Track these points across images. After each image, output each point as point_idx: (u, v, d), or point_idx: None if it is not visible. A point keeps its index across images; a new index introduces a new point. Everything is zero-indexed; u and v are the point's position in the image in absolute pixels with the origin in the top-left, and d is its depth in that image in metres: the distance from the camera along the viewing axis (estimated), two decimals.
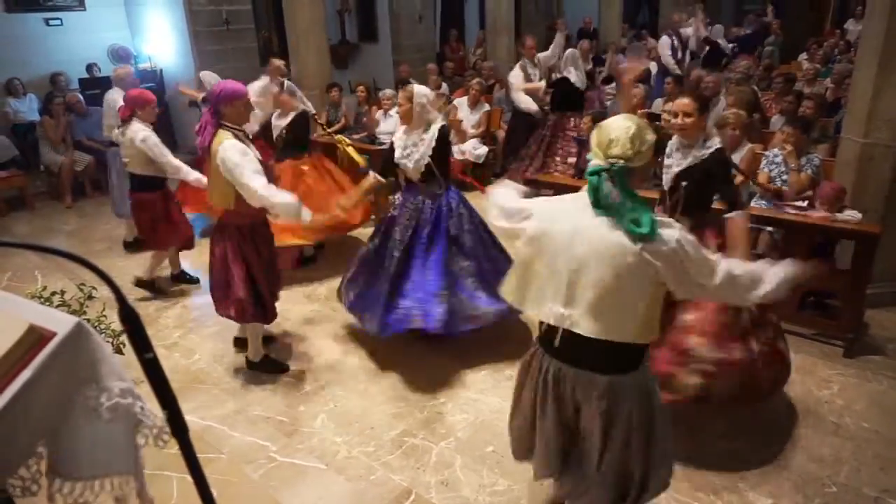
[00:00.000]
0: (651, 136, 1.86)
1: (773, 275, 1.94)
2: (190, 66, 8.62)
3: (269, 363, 3.83)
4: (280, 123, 5.22)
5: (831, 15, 14.46)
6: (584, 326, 1.86)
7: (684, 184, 3.02)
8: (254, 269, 3.48)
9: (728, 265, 1.88)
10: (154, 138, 4.44)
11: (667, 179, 3.14)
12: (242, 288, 3.46)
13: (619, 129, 1.83)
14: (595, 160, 1.86)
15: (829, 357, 3.74)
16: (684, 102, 2.99)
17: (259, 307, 3.56)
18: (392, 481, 2.92)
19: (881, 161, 4.04)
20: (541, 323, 2.07)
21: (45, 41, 8.35)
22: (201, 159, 4.52)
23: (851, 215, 3.88)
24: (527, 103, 6.85)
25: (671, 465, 2.18)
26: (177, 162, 4.54)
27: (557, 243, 1.89)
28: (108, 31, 8.97)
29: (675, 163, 3.09)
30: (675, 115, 3.01)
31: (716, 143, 3.01)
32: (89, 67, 8.44)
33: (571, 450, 2.15)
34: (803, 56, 9.51)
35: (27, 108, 7.93)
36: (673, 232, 1.80)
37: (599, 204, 1.81)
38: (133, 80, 5.60)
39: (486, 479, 2.91)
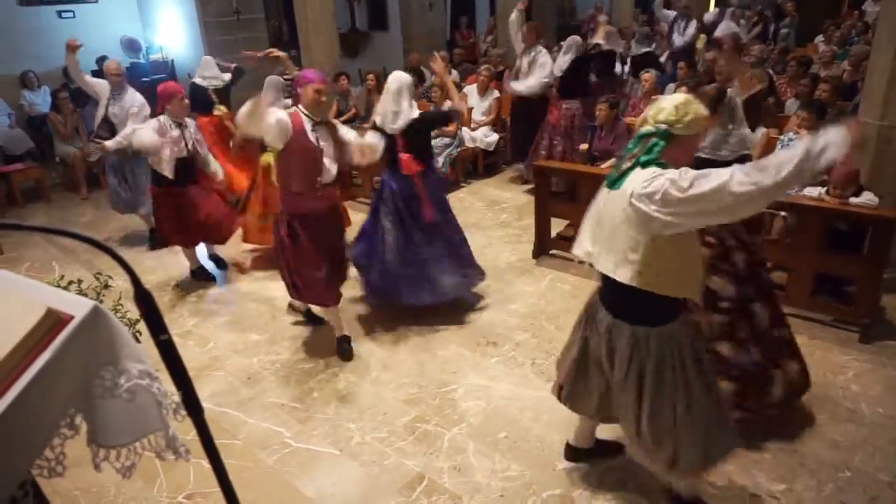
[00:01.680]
0: (702, 111, 2.02)
1: (788, 154, 1.83)
2: (200, 56, 8.63)
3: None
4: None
5: None
6: (603, 264, 2.16)
7: None
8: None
9: (727, 170, 1.89)
10: (141, 133, 4.43)
11: None
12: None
13: (670, 99, 2.05)
14: (644, 127, 2.07)
15: (845, 343, 3.71)
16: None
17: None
18: (405, 466, 2.95)
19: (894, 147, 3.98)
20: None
21: (59, 34, 8.39)
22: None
23: (868, 199, 3.83)
24: (526, 84, 6.60)
25: (710, 449, 2.21)
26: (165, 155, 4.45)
27: (602, 200, 2.20)
28: (120, 23, 9.03)
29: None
30: None
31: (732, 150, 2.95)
32: (100, 60, 8.49)
33: (609, 395, 2.37)
34: (819, 38, 9.35)
35: (42, 100, 8.01)
36: (663, 175, 1.94)
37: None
38: (122, 77, 5.52)
39: (499, 464, 2.93)
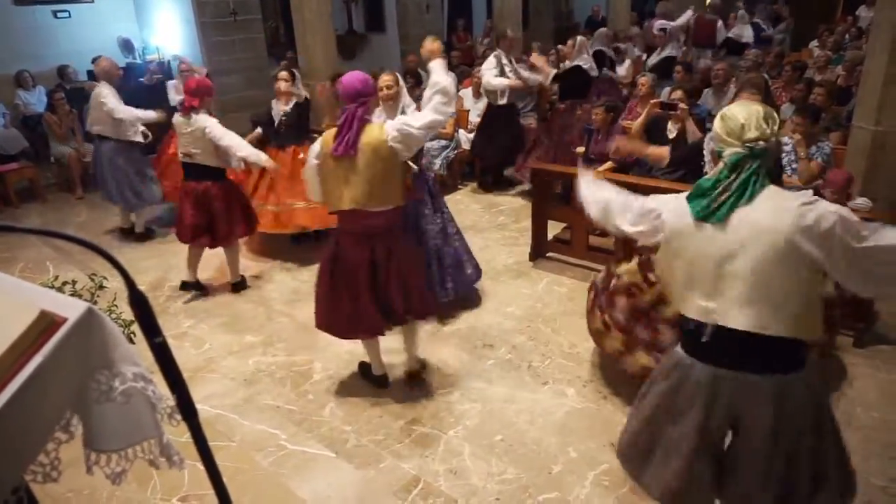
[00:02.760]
0: (776, 117, 1.83)
1: None
2: (197, 56, 8.63)
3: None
4: (281, 110, 5.29)
5: (843, 1, 14.26)
6: (735, 318, 1.78)
7: None
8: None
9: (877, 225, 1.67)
10: (219, 126, 4.36)
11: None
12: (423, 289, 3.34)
13: (747, 113, 1.78)
14: (729, 150, 1.79)
15: (840, 347, 3.72)
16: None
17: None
18: (401, 469, 2.94)
19: (892, 149, 4.00)
20: (683, 327, 1.96)
21: (54, 33, 8.39)
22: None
23: (863, 203, 3.85)
24: (500, 83, 6.40)
25: (845, 492, 1.97)
26: (245, 145, 4.47)
27: (697, 238, 1.83)
28: (117, 23, 9.00)
29: None
30: None
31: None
32: (95, 60, 8.47)
33: (712, 463, 1.97)
34: (814, 43, 9.39)
35: (37, 100, 7.98)
36: (824, 207, 1.68)
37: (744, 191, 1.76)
38: (118, 73, 5.66)
39: (495, 467, 2.92)
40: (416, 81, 7.90)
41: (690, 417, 1.91)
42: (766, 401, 1.82)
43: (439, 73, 3.05)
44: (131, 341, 3.12)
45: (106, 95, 5.41)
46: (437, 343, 3.96)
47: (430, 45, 3.26)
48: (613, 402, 3.36)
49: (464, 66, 9.45)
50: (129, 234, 6.01)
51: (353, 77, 3.00)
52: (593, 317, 3.41)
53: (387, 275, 3.10)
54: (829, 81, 6.10)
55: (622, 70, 7.74)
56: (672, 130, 4.98)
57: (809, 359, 1.86)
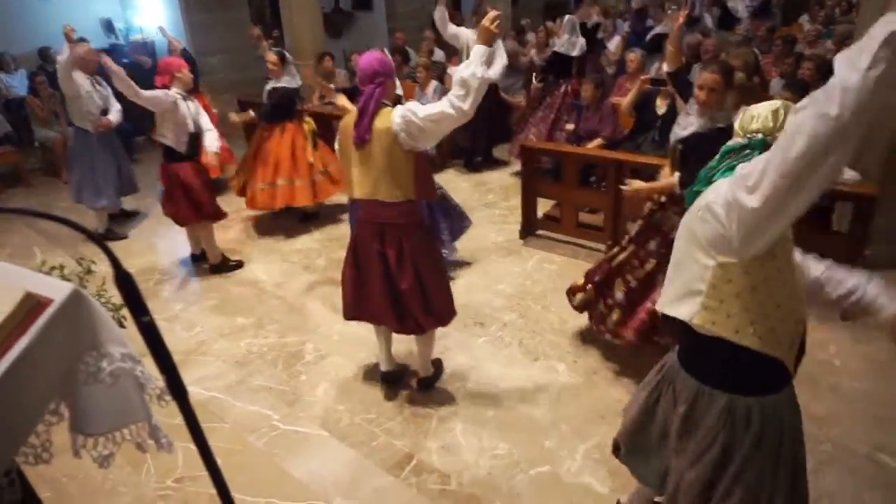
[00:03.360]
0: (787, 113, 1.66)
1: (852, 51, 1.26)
2: (181, 36, 8.48)
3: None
4: (268, 87, 5.35)
5: None
6: (662, 300, 1.73)
7: (680, 147, 3.03)
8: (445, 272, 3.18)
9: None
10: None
11: (672, 139, 3.20)
12: (447, 294, 3.11)
13: (763, 106, 1.70)
14: (734, 141, 1.71)
15: (826, 320, 3.76)
16: (714, 78, 2.95)
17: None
18: (394, 447, 2.97)
19: (881, 121, 4.00)
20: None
21: (35, 15, 8.22)
22: None
23: (851, 176, 3.87)
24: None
25: None
26: (207, 123, 4.50)
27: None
28: (98, 4, 8.83)
29: (680, 126, 3.17)
30: (700, 88, 3.00)
31: (723, 121, 2.98)
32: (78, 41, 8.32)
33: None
34: (805, 17, 9.35)
35: (18, 83, 7.83)
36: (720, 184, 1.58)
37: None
38: (94, 59, 5.07)
39: (487, 442, 2.96)
40: (403, 59, 7.83)
41: (655, 389, 1.95)
42: (717, 414, 1.71)
43: (471, 61, 2.59)
44: (121, 325, 3.11)
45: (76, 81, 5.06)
46: None
47: (486, 22, 2.58)
48: (604, 376, 3.39)
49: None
50: (116, 217, 5.88)
51: (370, 56, 2.79)
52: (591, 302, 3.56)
53: (399, 273, 2.89)
54: (817, 56, 6.07)
55: (612, 46, 7.69)
56: (661, 106, 4.98)
57: (781, 393, 1.73)
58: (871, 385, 3.22)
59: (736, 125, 1.75)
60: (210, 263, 4.84)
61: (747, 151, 1.63)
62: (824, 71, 5.84)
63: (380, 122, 2.71)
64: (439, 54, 8.36)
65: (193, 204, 4.50)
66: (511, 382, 3.38)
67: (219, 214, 4.68)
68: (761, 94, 5.73)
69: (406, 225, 2.86)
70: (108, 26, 8.84)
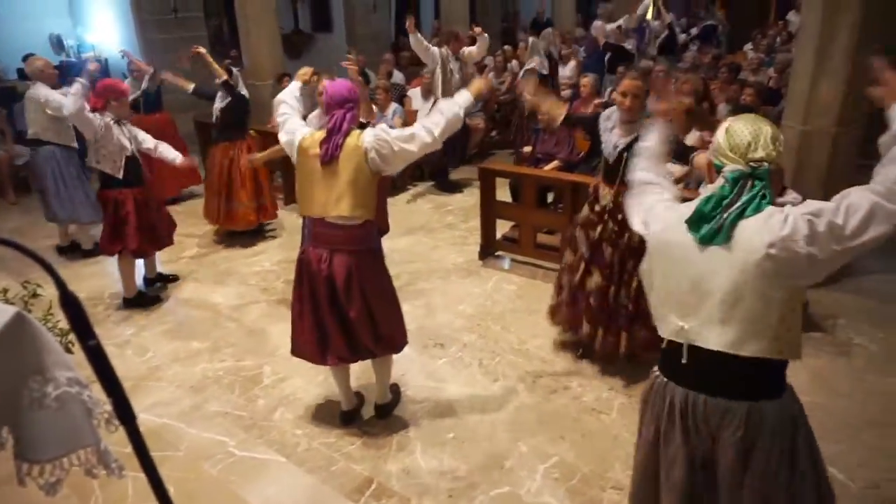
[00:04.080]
0: (782, 139, 1.73)
1: None
2: (136, 55, 8.34)
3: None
4: (218, 106, 5.37)
5: (775, 6, 14.93)
6: (709, 338, 1.70)
7: (626, 155, 3.19)
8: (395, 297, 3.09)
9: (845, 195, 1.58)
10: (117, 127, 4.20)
11: (612, 153, 3.36)
12: (397, 321, 3.07)
13: (757, 131, 1.69)
14: (731, 166, 1.69)
15: None
16: (636, 84, 3.22)
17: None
18: (353, 471, 2.93)
19: (819, 147, 4.22)
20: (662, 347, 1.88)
21: None
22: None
23: (792, 198, 4.04)
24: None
25: None
26: (152, 140, 4.47)
27: (676, 253, 1.76)
28: (48, 19, 8.61)
29: (617, 138, 3.34)
30: (624, 95, 3.24)
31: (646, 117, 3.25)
32: (26, 58, 8.09)
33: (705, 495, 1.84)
34: (749, 46, 9.80)
35: None
36: (795, 213, 1.61)
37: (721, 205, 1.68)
38: (53, 72, 5.31)
39: (447, 464, 2.95)
40: (364, 80, 7.85)
41: (675, 441, 1.83)
42: (737, 428, 1.73)
43: (458, 102, 2.80)
44: (69, 351, 3.01)
45: (46, 94, 5.06)
46: None
47: (485, 84, 2.94)
48: (563, 396, 3.43)
49: (412, 67, 9.46)
50: (67, 251, 5.58)
51: (340, 84, 2.91)
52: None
53: (347, 301, 2.83)
54: (758, 83, 6.37)
55: (567, 71, 7.90)
56: None
57: (789, 386, 1.80)
58: (817, 397, 3.34)
59: (720, 141, 1.74)
60: (124, 297, 4.55)
61: (757, 181, 1.66)
62: (765, 96, 6.14)
63: (349, 140, 2.76)
64: (398, 76, 8.44)
65: (135, 232, 4.30)
66: (471, 403, 3.39)
67: (157, 245, 4.58)
68: (710, 119, 5.97)
69: (358, 250, 2.84)
70: (59, 43, 8.61)
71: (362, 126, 2.95)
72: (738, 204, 1.65)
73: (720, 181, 1.71)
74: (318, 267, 2.82)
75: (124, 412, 1.06)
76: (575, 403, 3.36)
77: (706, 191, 1.76)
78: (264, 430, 3.23)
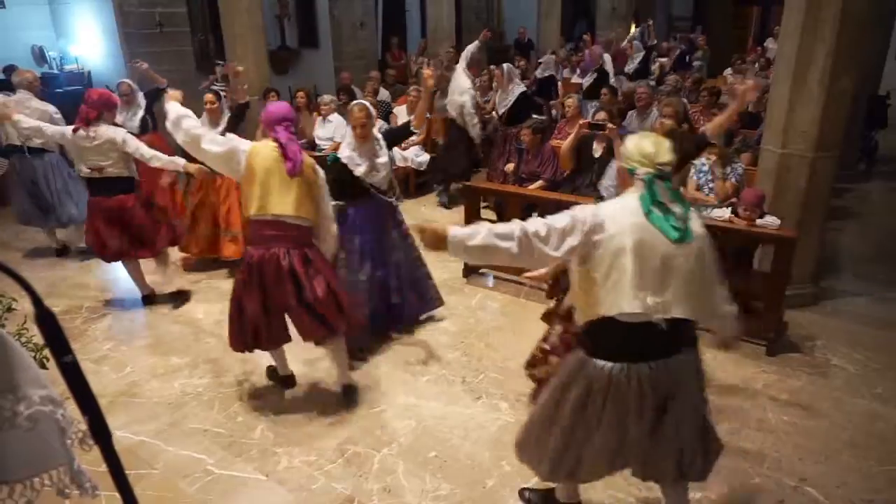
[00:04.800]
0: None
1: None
2: (120, 68, 8.30)
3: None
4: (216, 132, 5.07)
5: (753, 33, 15.32)
6: (679, 310, 2.05)
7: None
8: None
9: None
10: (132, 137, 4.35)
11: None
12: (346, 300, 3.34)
13: (658, 142, 2.14)
14: (642, 170, 2.10)
15: (753, 356, 3.94)
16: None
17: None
18: (334, 490, 2.89)
19: (797, 170, 4.30)
20: (607, 339, 2.12)
21: None
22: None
23: (771, 221, 4.12)
24: (476, 129, 6.83)
25: (718, 450, 2.38)
26: (159, 154, 4.38)
27: (647, 239, 2.03)
28: (31, 31, 8.55)
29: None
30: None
31: None
32: (7, 69, 8.01)
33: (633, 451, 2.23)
34: (728, 71, 10.02)
35: None
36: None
37: (657, 203, 2.06)
38: (38, 85, 5.59)
39: (429, 484, 2.92)
40: (349, 98, 7.89)
41: (614, 418, 2.13)
42: (691, 374, 2.19)
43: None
44: (43, 366, 2.94)
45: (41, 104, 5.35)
46: (371, 360, 3.93)
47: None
48: None
49: (398, 84, 9.52)
50: (62, 253, 5.70)
51: (279, 104, 3.36)
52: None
53: (312, 283, 3.14)
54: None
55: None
56: (597, 150, 5.19)
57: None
58: (796, 418, 3.38)
59: (632, 150, 2.15)
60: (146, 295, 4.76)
61: (667, 184, 2.09)
62: (745, 120, 6.27)
63: (306, 156, 3.21)
64: (384, 94, 8.48)
65: (137, 236, 4.45)
66: (454, 421, 3.37)
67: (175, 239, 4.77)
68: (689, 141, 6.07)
69: (309, 244, 3.25)
70: (41, 54, 8.54)
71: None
72: (680, 208, 2.07)
73: (639, 184, 2.10)
74: (280, 264, 3.11)
75: (99, 430, 1.04)
76: None
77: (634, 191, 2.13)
78: (244, 448, 3.18)
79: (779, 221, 4.12)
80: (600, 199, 3.39)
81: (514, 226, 2.13)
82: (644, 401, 2.10)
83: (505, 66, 6.75)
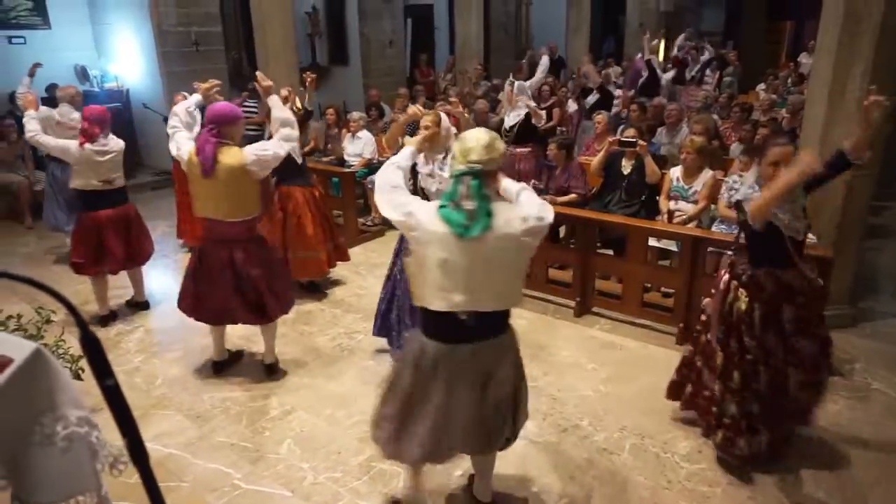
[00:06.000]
0: (502, 146, 2.29)
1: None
2: (158, 86, 8.54)
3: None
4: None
5: (786, 48, 15.10)
6: (487, 304, 2.26)
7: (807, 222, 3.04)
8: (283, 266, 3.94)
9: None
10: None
11: (801, 228, 2.93)
12: (288, 284, 3.90)
13: (474, 139, 2.24)
14: (457, 167, 2.24)
15: None
16: (789, 150, 2.83)
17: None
18: None
19: (833, 189, 4.19)
20: (430, 321, 2.34)
21: (8, 59, 8.18)
22: (179, 176, 4.60)
23: (809, 240, 4.01)
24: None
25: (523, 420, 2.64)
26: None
27: (443, 243, 2.19)
28: (74, 51, 8.85)
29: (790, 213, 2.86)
30: (777, 166, 2.81)
31: None
32: (50, 87, 8.30)
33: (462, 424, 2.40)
34: (761, 86, 9.88)
35: None
36: (520, 210, 2.21)
37: (453, 200, 2.19)
38: (81, 100, 6.00)
39: (456, 502, 2.89)
40: (378, 114, 7.99)
41: (439, 394, 2.34)
42: (504, 356, 2.38)
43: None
44: (78, 377, 3.01)
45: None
46: None
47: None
48: (574, 434, 3.37)
49: (427, 101, 9.59)
50: None
51: (220, 105, 3.59)
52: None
53: (248, 266, 3.58)
54: (772, 122, 6.40)
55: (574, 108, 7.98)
56: (626, 167, 5.16)
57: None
58: (837, 445, 3.26)
59: (454, 147, 2.29)
60: (140, 300, 4.96)
61: (474, 181, 2.17)
62: (782, 137, 6.14)
63: (230, 160, 3.42)
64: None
65: (133, 247, 4.65)
66: None
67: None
68: (721, 157, 5.99)
69: (247, 239, 3.62)
70: (83, 73, 8.84)
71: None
72: (477, 208, 2.14)
73: (451, 181, 2.25)
74: (219, 253, 3.58)
75: (138, 453, 1.05)
76: (585, 443, 3.30)
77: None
78: (271, 463, 3.19)
79: (816, 239, 4.02)
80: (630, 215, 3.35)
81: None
82: (462, 380, 2.31)
83: (516, 82, 6.72)
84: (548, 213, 2.25)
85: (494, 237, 2.16)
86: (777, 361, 2.94)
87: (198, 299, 3.74)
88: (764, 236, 2.85)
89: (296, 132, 3.63)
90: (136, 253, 4.70)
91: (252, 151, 3.47)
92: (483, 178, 2.19)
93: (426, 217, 2.23)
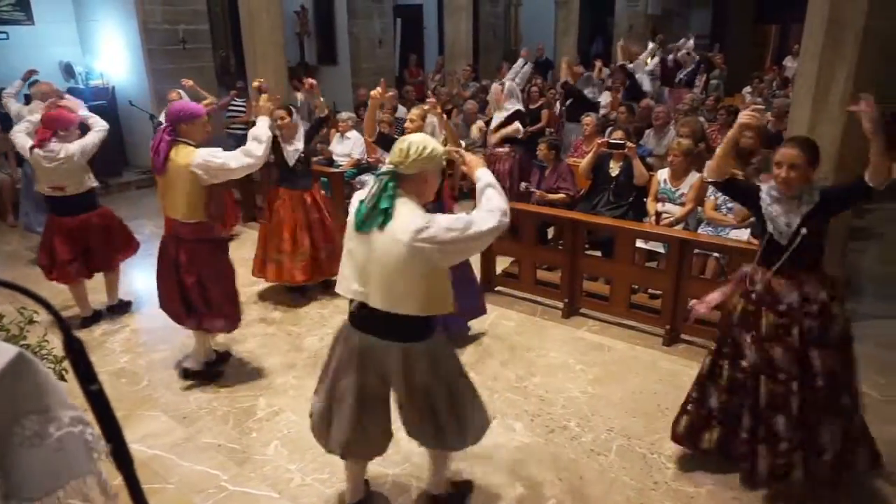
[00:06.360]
0: (433, 153, 2.25)
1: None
2: (144, 83, 8.47)
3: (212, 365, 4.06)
4: (293, 148, 4.92)
5: (771, 51, 15.28)
6: (375, 300, 2.29)
7: (804, 231, 2.67)
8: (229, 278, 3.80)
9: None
10: (84, 141, 4.31)
11: (785, 232, 2.70)
12: (228, 298, 3.77)
13: (403, 142, 2.28)
14: (385, 167, 2.31)
15: None
16: (792, 154, 2.65)
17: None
18: None
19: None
20: (350, 301, 2.43)
21: None
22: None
23: None
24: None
25: (482, 425, 2.67)
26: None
27: (350, 232, 2.33)
28: (58, 47, 8.75)
29: (782, 215, 2.72)
30: (779, 166, 2.68)
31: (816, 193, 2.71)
32: (33, 84, 8.19)
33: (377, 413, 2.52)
34: (747, 89, 9.97)
35: None
36: (419, 221, 2.17)
37: (369, 197, 2.27)
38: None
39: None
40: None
41: (350, 376, 2.42)
42: (398, 361, 2.36)
43: None
44: (62, 378, 2.96)
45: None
46: None
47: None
48: (561, 435, 3.39)
49: (416, 102, 9.59)
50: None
51: (179, 104, 3.70)
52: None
53: (186, 276, 3.62)
54: (760, 126, 6.44)
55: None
56: (614, 169, 5.18)
57: (437, 332, 2.44)
58: None
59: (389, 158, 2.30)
60: (112, 304, 4.83)
61: (388, 180, 2.24)
62: (764, 140, 6.21)
63: (180, 159, 3.43)
64: (401, 111, 8.54)
65: (112, 247, 4.59)
66: None
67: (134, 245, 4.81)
68: (707, 159, 6.02)
69: (197, 239, 3.59)
70: (68, 70, 8.74)
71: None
72: (377, 206, 2.21)
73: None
74: (168, 253, 3.65)
75: (122, 458, 1.04)
76: (573, 444, 3.32)
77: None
78: (258, 465, 3.17)
79: None
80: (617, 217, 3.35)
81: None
82: (366, 367, 2.38)
83: (507, 83, 6.76)
84: (475, 226, 2.17)
85: (383, 237, 2.20)
86: (786, 376, 2.76)
87: (159, 295, 3.85)
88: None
89: (260, 151, 3.48)
90: (98, 260, 4.52)
91: (202, 154, 3.41)
92: (399, 180, 2.24)
93: (352, 206, 2.36)
